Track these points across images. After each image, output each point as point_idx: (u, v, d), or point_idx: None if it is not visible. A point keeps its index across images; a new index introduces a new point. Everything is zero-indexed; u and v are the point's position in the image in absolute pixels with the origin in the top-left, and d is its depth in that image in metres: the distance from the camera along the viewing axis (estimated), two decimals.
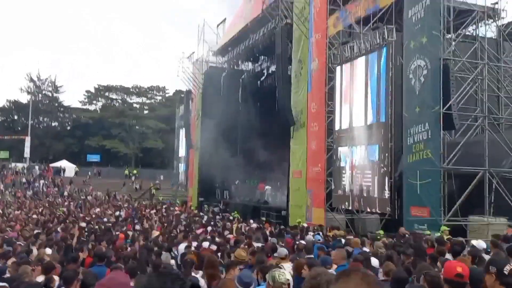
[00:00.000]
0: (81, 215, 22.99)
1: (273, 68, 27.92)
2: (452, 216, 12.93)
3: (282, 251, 6.61)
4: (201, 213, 23.65)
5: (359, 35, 16.88)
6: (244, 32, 26.39)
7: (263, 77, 30.77)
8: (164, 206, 29.40)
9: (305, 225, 14.82)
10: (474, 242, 6.90)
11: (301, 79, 19.50)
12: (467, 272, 3.28)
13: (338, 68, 17.71)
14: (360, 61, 16.51)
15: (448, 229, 11.47)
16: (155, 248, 8.76)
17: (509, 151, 13.89)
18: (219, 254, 8.06)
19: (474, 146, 14.06)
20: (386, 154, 14.89)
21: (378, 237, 11.20)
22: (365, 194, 15.83)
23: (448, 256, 6.30)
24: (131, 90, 67.86)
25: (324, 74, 17.92)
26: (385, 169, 14.88)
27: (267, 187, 26.86)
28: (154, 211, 24.88)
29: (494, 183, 13.41)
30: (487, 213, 13.16)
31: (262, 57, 28.78)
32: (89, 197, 36.45)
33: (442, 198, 12.92)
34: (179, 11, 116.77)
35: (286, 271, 3.75)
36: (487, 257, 5.82)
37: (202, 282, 5.27)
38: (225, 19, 32.05)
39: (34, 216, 22.21)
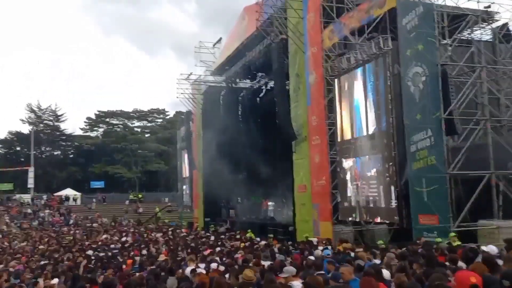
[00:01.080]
0: (87, 243, 22.84)
1: (271, 84, 28.05)
2: (461, 221, 12.75)
3: (290, 269, 6.47)
4: (208, 234, 23.44)
5: (354, 46, 16.93)
6: (240, 50, 26.61)
7: (262, 94, 30.88)
8: (170, 229, 29.21)
9: (315, 239, 14.62)
10: (484, 248, 6.74)
11: (300, 93, 19.52)
12: (480, 281, 3.15)
13: (336, 80, 17.72)
14: (358, 72, 16.53)
15: (456, 235, 11.32)
16: (162, 273, 8.62)
17: None
18: (227, 275, 7.90)
19: (478, 150, 13.93)
20: (390, 163, 14.77)
21: (383, 246, 11.04)
22: (371, 205, 15.66)
23: (461, 263, 6.15)
24: (131, 114, 68.22)
25: (322, 87, 17.93)
26: (390, 178, 14.74)
27: (270, 203, 26.74)
28: (160, 234, 24.70)
29: (502, 186, 13.26)
30: (497, 216, 12.98)
31: (260, 73, 28.91)
32: (94, 224, 36.26)
33: (450, 204, 12.75)
34: (174, 32, 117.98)
35: None
36: (500, 262, 5.66)
37: None
38: (220, 38, 32.40)
39: (41, 246, 22.07)
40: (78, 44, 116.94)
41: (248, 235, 20.09)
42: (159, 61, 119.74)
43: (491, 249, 6.57)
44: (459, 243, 10.54)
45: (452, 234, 11.58)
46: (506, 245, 7.01)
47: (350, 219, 17.00)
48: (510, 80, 17.12)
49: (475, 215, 13.10)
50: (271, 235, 20.22)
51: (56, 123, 65.04)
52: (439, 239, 11.58)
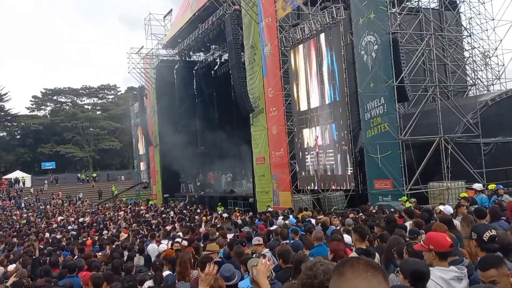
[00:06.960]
0: (43, 225, 22.18)
1: (225, 56, 27.68)
2: (414, 185, 13.38)
3: (258, 239, 6.59)
4: (168, 210, 23.33)
5: (308, 16, 16.94)
6: (192, 22, 25.95)
7: (217, 66, 30.48)
8: (129, 207, 28.83)
9: (280, 209, 14.87)
10: (441, 207, 7.13)
11: (255, 64, 19.42)
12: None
13: (291, 51, 17.75)
14: (312, 42, 16.61)
15: (407, 199, 11.89)
16: (125, 252, 8.54)
17: (460, 116, 14.47)
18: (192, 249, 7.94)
19: (427, 115, 14.52)
20: (345, 132, 15.16)
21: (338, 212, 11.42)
22: (329, 173, 16.08)
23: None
24: (80, 91, 65.45)
25: (277, 58, 17.93)
26: (346, 146, 15.15)
27: (223, 175, 26.99)
28: (120, 212, 24.35)
29: (450, 149, 13.94)
30: (446, 178, 13.69)
31: (214, 46, 28.43)
32: (48, 206, 35.13)
33: (402, 169, 13.32)
34: (122, 3, 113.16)
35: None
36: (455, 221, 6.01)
37: None
38: (171, 10, 31.43)
39: None
40: (20, 19, 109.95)
41: (218, 208, 20.13)
42: (108, 35, 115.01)
43: (446, 209, 6.95)
44: (410, 205, 11.07)
45: (404, 197, 12.16)
46: (459, 204, 7.41)
47: (308, 187, 17.41)
48: (455, 46, 17.83)
49: (426, 178, 13.76)
50: (232, 207, 20.45)
51: (0, 103, 61.47)
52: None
